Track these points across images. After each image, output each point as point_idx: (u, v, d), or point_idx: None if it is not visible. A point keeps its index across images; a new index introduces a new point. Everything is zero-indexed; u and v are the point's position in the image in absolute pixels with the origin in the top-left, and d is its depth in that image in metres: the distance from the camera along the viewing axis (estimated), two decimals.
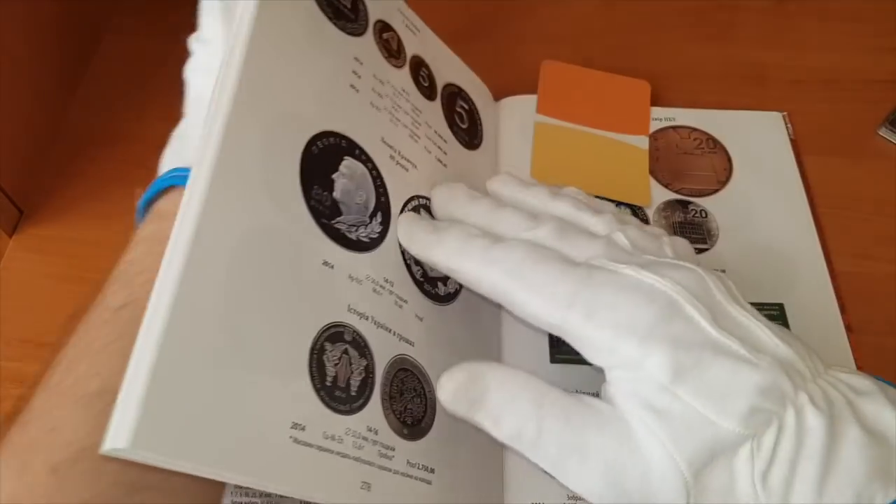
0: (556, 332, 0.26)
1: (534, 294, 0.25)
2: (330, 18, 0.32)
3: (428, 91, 0.36)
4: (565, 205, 0.29)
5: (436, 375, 0.28)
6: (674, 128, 0.43)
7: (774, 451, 0.23)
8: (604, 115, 0.42)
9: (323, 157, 0.29)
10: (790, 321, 0.36)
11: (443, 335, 0.31)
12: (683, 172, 0.41)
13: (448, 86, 0.38)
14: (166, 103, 0.40)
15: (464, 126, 0.38)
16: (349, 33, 0.33)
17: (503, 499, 0.31)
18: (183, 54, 0.45)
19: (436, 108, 0.36)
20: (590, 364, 0.26)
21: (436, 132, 0.35)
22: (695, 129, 0.43)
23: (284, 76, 0.28)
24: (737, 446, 0.23)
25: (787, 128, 0.43)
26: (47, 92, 0.40)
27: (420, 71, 0.36)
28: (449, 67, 0.39)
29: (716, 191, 0.40)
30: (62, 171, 0.39)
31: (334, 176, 0.29)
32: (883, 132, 0.44)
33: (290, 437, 0.23)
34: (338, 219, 0.28)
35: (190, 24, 0.50)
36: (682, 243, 0.29)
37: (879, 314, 0.36)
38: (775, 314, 0.36)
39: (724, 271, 0.35)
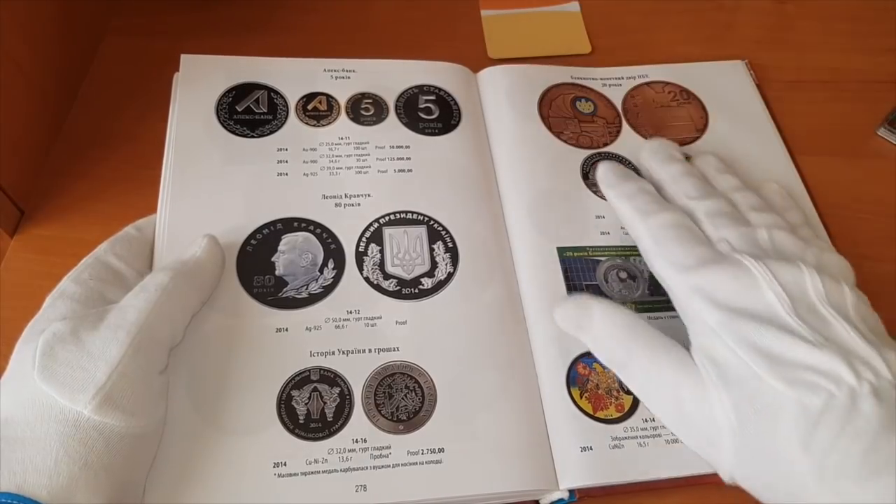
0: (664, 286, 0.32)
1: (662, 259, 0.32)
2: (245, 136, 0.38)
3: (374, 117, 0.40)
4: (746, 198, 0.35)
5: (432, 364, 0.32)
6: (648, 84, 0.45)
7: (819, 419, 0.25)
8: None
9: (259, 249, 0.34)
10: None
11: (435, 325, 0.33)
12: (664, 124, 0.43)
13: (404, 92, 0.42)
14: (166, 104, 0.40)
15: (433, 116, 0.41)
16: (269, 133, 0.38)
17: (547, 445, 0.31)
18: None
19: (388, 125, 0.40)
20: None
21: (391, 146, 0.39)
22: (668, 83, 0.45)
23: (204, 214, 0.35)
24: (781, 404, 0.26)
25: (750, 74, 0.46)
26: (48, 92, 0.40)
27: (362, 104, 0.41)
28: (402, 75, 0.42)
29: (696, 138, 0.43)
30: (63, 171, 0.39)
31: (273, 258, 0.34)
32: (882, 132, 0.44)
33: (275, 473, 0.29)
34: (284, 290, 0.33)
35: (190, 25, 0.50)
36: (832, 259, 0.32)
37: (879, 314, 0.35)
38: None
39: None
